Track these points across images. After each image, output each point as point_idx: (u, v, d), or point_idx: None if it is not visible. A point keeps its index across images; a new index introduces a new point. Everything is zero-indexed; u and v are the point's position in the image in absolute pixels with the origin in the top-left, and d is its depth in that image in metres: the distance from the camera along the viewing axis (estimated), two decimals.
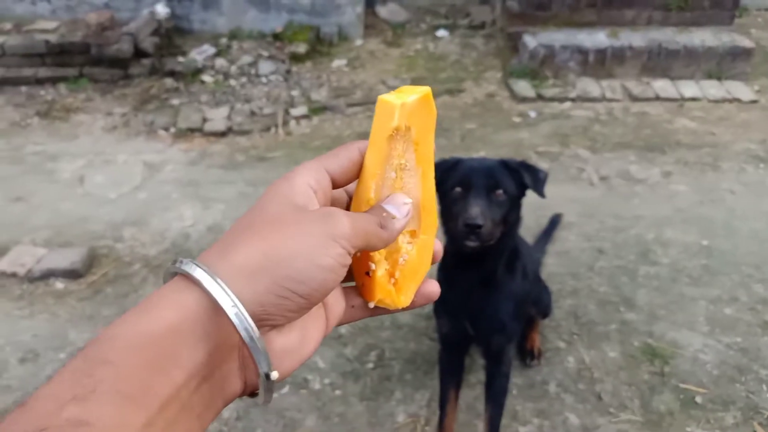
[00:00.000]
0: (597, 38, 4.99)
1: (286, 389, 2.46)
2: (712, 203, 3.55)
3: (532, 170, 1.90)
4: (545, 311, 2.56)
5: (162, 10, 5.77)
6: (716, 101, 4.62)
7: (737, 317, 2.74)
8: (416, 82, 5.07)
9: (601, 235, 3.29)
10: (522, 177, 1.82)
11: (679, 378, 2.46)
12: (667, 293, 2.89)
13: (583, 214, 3.45)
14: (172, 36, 5.72)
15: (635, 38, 4.97)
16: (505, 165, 1.84)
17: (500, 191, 1.77)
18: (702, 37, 4.95)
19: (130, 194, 3.83)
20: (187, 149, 4.35)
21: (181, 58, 5.48)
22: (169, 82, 5.22)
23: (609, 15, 5.25)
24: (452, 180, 1.81)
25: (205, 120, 4.68)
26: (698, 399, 2.37)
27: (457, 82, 5.09)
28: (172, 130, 4.58)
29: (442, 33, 5.96)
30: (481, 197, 1.75)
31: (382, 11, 6.45)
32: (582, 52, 4.92)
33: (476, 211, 1.71)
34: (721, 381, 2.44)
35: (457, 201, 1.78)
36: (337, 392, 2.45)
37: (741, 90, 4.69)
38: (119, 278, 3.12)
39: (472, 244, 1.74)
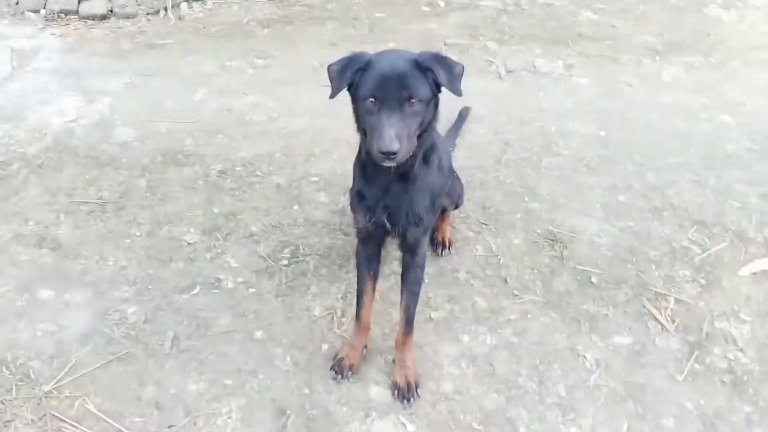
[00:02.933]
0: None
1: (196, 290, 2.38)
2: (610, 95, 3.68)
3: (447, 65, 1.76)
4: (457, 202, 2.60)
5: None
6: None
7: (630, 203, 2.92)
8: None
9: (508, 128, 3.34)
10: (436, 75, 1.73)
11: (577, 261, 2.62)
12: (568, 183, 3.02)
13: (492, 107, 3.47)
14: None
15: None
16: (418, 65, 1.71)
17: (414, 100, 1.69)
18: None
19: (0, 86, 3.38)
20: (63, 34, 3.86)
21: None
22: None
23: None
24: (364, 88, 1.70)
25: (80, 1, 4.13)
26: (594, 279, 2.55)
27: None
28: (42, 12, 4.03)
29: None
30: (395, 113, 1.66)
31: None
32: None
33: (390, 135, 1.63)
34: (615, 262, 2.63)
35: (371, 114, 1.70)
36: (251, 290, 2.40)
37: None
38: None
39: (389, 164, 1.70)
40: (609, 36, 4.24)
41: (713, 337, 2.33)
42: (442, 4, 4.45)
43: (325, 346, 2.22)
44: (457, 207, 2.64)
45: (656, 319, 2.39)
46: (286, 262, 2.52)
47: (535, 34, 4.17)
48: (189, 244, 2.57)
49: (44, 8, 4.04)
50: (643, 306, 2.44)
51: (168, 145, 3.07)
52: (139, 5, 4.19)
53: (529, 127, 3.35)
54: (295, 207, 2.77)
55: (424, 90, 1.72)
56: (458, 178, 2.59)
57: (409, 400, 2.05)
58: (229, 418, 1.99)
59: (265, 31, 4.00)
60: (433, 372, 2.16)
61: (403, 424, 2.01)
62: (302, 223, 2.68)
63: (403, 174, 1.89)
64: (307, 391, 2.07)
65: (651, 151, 3.25)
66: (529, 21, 4.33)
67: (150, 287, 2.38)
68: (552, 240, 2.70)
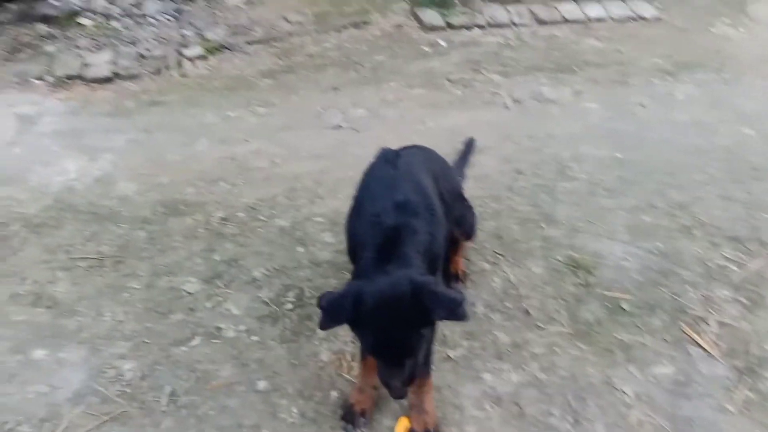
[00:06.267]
0: None
1: (195, 341, 2.23)
2: (622, 117, 3.55)
3: (446, 302, 1.58)
4: (469, 232, 2.45)
5: None
6: (621, 20, 4.62)
7: (656, 223, 2.75)
8: (319, 17, 4.76)
9: (519, 156, 3.21)
10: (437, 315, 1.60)
11: (604, 286, 2.43)
12: (586, 206, 2.86)
13: (500, 137, 3.35)
14: None
15: None
16: (416, 304, 1.56)
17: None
18: None
19: (3, 150, 3.36)
20: (67, 98, 3.87)
21: (54, 1, 4.86)
22: (42, 28, 4.61)
23: None
24: (362, 338, 1.68)
25: (85, 65, 4.18)
26: (624, 305, 2.35)
27: (363, 14, 4.81)
28: (49, 78, 4.06)
29: None
30: (396, 374, 1.64)
31: None
32: None
33: (397, 386, 1.66)
34: (646, 286, 2.43)
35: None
36: (254, 338, 2.24)
37: (644, 8, 4.72)
38: None
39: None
40: (616, 61, 4.15)
41: (765, 361, 2.10)
42: (444, 43, 4.42)
43: (334, 394, 2.03)
44: (469, 238, 2.48)
45: (698, 345, 2.18)
46: (290, 306, 2.36)
47: (540, 64, 4.09)
48: (189, 294, 2.44)
49: (50, 75, 4.08)
50: (682, 331, 2.23)
51: (169, 196, 2.99)
52: (143, 66, 4.22)
53: (541, 153, 3.22)
54: (300, 249, 2.63)
55: (422, 334, 1.64)
56: (470, 208, 2.45)
57: None
58: None
59: (267, 81, 3.98)
60: (454, 416, 1.96)
61: None
62: (307, 265, 2.54)
63: None
64: None
65: (671, 169, 3.08)
66: (533, 53, 4.26)
67: (147, 341, 2.23)
68: (575, 266, 2.52)
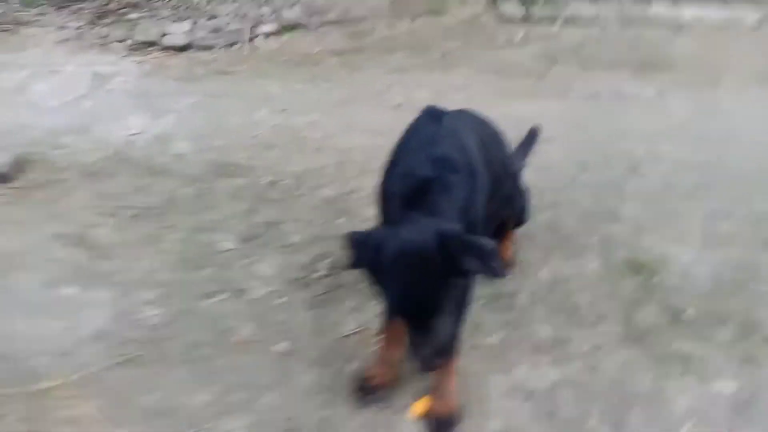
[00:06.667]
0: None
1: (222, 296, 2.17)
2: (709, 120, 3.24)
3: (476, 250, 1.43)
4: (520, 216, 2.27)
5: None
6: (719, 23, 4.28)
7: (734, 232, 2.46)
8: (396, 2, 4.69)
9: (587, 149, 2.99)
10: (467, 266, 1.43)
11: (667, 292, 2.18)
12: (657, 207, 2.60)
13: (569, 128, 3.14)
14: None
15: None
16: (442, 251, 1.40)
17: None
18: None
19: (74, 103, 3.48)
20: (142, 61, 3.98)
21: None
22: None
23: None
24: (386, 293, 1.52)
25: (164, 34, 4.30)
26: (688, 314, 2.09)
27: (441, 2, 4.70)
28: (128, 42, 4.21)
29: None
30: (426, 339, 1.48)
31: None
32: None
33: (427, 357, 1.50)
34: (715, 296, 2.16)
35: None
36: (281, 300, 2.16)
37: (746, 13, 4.35)
38: (50, 183, 2.79)
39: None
40: (708, 64, 3.83)
41: None
42: (521, 35, 4.23)
43: (353, 366, 1.91)
44: (519, 224, 2.30)
45: None
46: (323, 273, 2.27)
47: (623, 61, 3.83)
48: (224, 252, 2.39)
49: (131, 39, 4.22)
50: (752, 348, 1.96)
51: (222, 157, 2.98)
52: (218, 38, 4.29)
53: (612, 149, 2.98)
54: (341, 220, 2.53)
55: (450, 290, 1.48)
56: (523, 192, 2.26)
57: None
58: None
59: (335, 59, 3.95)
60: (477, 406, 1.79)
61: None
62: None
63: None
64: (327, 413, 1.76)
65: (759, 177, 2.77)
66: (616, 49, 4.01)
67: (175, 291, 2.19)
68: (636, 267, 2.29)
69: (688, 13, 4.35)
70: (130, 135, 3.16)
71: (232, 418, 1.75)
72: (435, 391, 1.75)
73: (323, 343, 1.99)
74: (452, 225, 1.49)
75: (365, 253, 1.49)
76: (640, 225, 2.49)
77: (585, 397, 1.82)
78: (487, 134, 1.98)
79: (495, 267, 1.45)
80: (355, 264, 1.53)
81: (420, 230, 1.45)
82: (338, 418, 1.74)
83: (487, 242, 1.48)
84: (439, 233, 1.43)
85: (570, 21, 4.35)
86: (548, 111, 3.29)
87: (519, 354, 1.95)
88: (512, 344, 1.98)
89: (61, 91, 3.58)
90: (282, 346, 1.98)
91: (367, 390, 1.79)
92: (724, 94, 3.49)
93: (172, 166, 2.93)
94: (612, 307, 2.13)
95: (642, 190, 2.70)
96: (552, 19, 4.36)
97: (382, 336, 1.83)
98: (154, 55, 4.09)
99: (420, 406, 1.77)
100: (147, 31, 4.33)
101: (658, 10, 4.41)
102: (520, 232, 2.35)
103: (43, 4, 4.79)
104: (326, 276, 2.26)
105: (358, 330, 2.03)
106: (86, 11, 4.68)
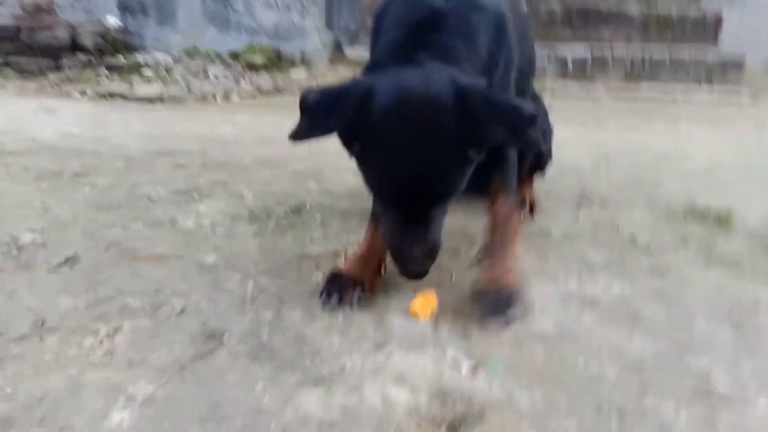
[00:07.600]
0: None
1: (136, 225, 1.54)
2: None
3: (506, 110, 0.97)
4: (539, 157, 1.73)
5: (112, 20, 5.35)
6: None
7: None
8: None
9: None
10: (491, 135, 0.97)
11: (746, 229, 1.62)
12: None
13: None
14: (119, 47, 5.20)
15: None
16: (458, 120, 0.94)
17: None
18: None
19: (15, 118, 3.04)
20: (97, 105, 3.64)
21: (123, 59, 4.94)
22: (105, 73, 4.62)
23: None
24: (370, 166, 1.00)
25: (132, 88, 4.03)
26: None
27: None
28: (89, 93, 3.91)
29: None
30: (417, 235, 0.99)
31: (349, 51, 6.16)
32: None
33: (416, 259, 1.00)
34: None
35: (384, 212, 1.05)
36: (218, 229, 1.53)
37: None
38: None
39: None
40: None
41: None
42: None
43: (317, 275, 1.26)
44: (541, 166, 1.77)
45: None
46: (282, 212, 1.67)
47: None
48: (152, 198, 1.79)
49: (93, 91, 3.92)
50: None
51: (169, 147, 2.49)
52: (190, 94, 4.03)
53: None
54: (312, 183, 1.98)
55: (463, 165, 0.99)
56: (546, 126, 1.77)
57: (505, 315, 1.09)
58: (108, 336, 1.01)
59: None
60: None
61: (455, 360, 0.96)
62: (317, 194, 1.87)
63: None
64: (269, 317, 1.08)
65: None
66: None
67: (71, 221, 1.56)
68: (701, 216, 1.73)
69: None
70: (65, 133, 2.69)
71: (107, 322, 1.07)
72: (493, 255, 1.20)
73: (276, 260, 1.35)
74: (473, 77, 1.01)
75: (340, 108, 0.96)
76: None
77: (665, 303, 1.17)
78: (515, 7, 1.53)
79: (532, 137, 0.97)
80: (314, 130, 0.97)
81: (429, 78, 0.97)
82: (290, 322, 1.06)
83: (524, 104, 1.00)
84: (456, 84, 0.96)
85: None
86: None
87: (567, 271, 1.33)
88: (556, 265, 1.36)
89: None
90: (211, 258, 1.34)
91: (340, 287, 1.14)
92: None
93: (104, 151, 2.41)
94: (679, 239, 1.54)
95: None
96: None
97: (368, 230, 1.22)
98: (115, 101, 3.77)
99: (421, 303, 1.11)
100: (115, 87, 4.07)
101: None
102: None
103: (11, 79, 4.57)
104: (287, 214, 1.65)
105: (325, 253, 1.39)
106: (55, 77, 4.44)
